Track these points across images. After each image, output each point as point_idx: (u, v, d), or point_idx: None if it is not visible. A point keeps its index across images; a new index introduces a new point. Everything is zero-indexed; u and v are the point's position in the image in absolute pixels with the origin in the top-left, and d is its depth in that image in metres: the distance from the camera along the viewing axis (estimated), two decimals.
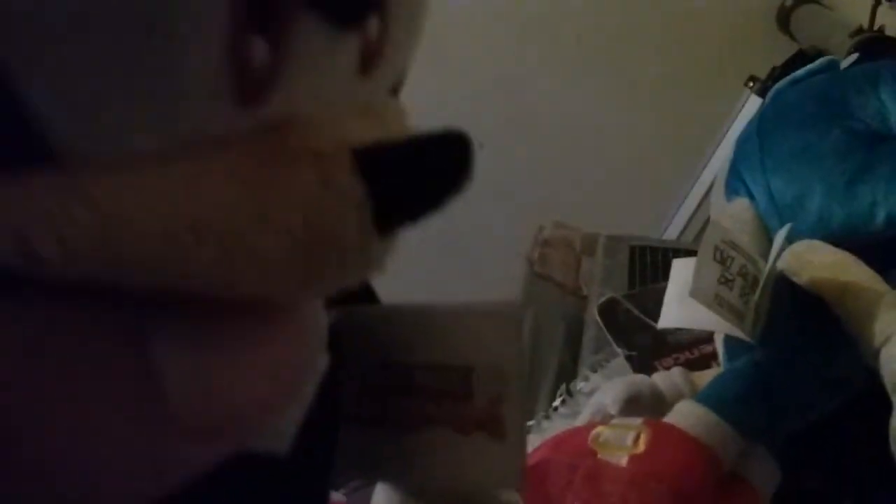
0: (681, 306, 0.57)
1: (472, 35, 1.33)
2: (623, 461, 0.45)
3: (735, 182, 0.64)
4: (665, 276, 0.59)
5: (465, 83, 1.37)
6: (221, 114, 0.20)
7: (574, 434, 0.49)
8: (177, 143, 0.20)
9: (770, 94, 0.67)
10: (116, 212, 0.19)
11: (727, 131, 1.25)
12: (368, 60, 0.23)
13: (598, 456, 0.46)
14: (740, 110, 1.23)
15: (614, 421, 0.51)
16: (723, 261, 0.52)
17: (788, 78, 0.66)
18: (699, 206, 1.27)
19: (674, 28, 1.34)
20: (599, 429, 0.48)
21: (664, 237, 1.34)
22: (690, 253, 0.53)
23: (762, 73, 1.18)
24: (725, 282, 0.51)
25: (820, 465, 0.57)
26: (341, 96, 0.23)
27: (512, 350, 0.32)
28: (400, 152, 0.22)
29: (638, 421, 0.49)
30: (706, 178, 1.26)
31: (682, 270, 0.57)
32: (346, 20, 0.21)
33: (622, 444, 0.46)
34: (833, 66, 0.65)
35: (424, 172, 0.22)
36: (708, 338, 0.74)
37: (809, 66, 0.65)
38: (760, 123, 0.64)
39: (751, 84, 1.22)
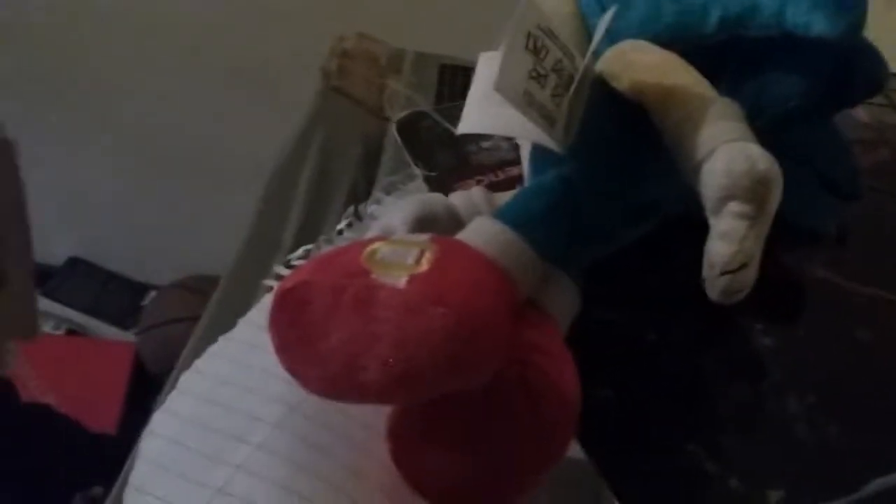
0: (484, 107, 0.48)
1: None
2: (401, 282, 0.36)
3: None
4: None
5: None
6: None
7: (345, 251, 0.40)
8: None
9: None
10: None
11: None
12: None
13: (372, 276, 0.37)
14: None
15: (396, 236, 0.42)
16: (536, 51, 0.43)
17: None
18: None
19: None
20: (377, 244, 0.39)
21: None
22: None
23: None
24: (537, 77, 0.43)
25: (621, 294, 0.52)
26: None
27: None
28: None
29: (424, 237, 0.40)
30: None
31: (489, 65, 0.48)
32: None
33: (402, 262, 0.38)
34: None
35: None
36: (515, 159, 0.66)
37: None
38: None
39: None
